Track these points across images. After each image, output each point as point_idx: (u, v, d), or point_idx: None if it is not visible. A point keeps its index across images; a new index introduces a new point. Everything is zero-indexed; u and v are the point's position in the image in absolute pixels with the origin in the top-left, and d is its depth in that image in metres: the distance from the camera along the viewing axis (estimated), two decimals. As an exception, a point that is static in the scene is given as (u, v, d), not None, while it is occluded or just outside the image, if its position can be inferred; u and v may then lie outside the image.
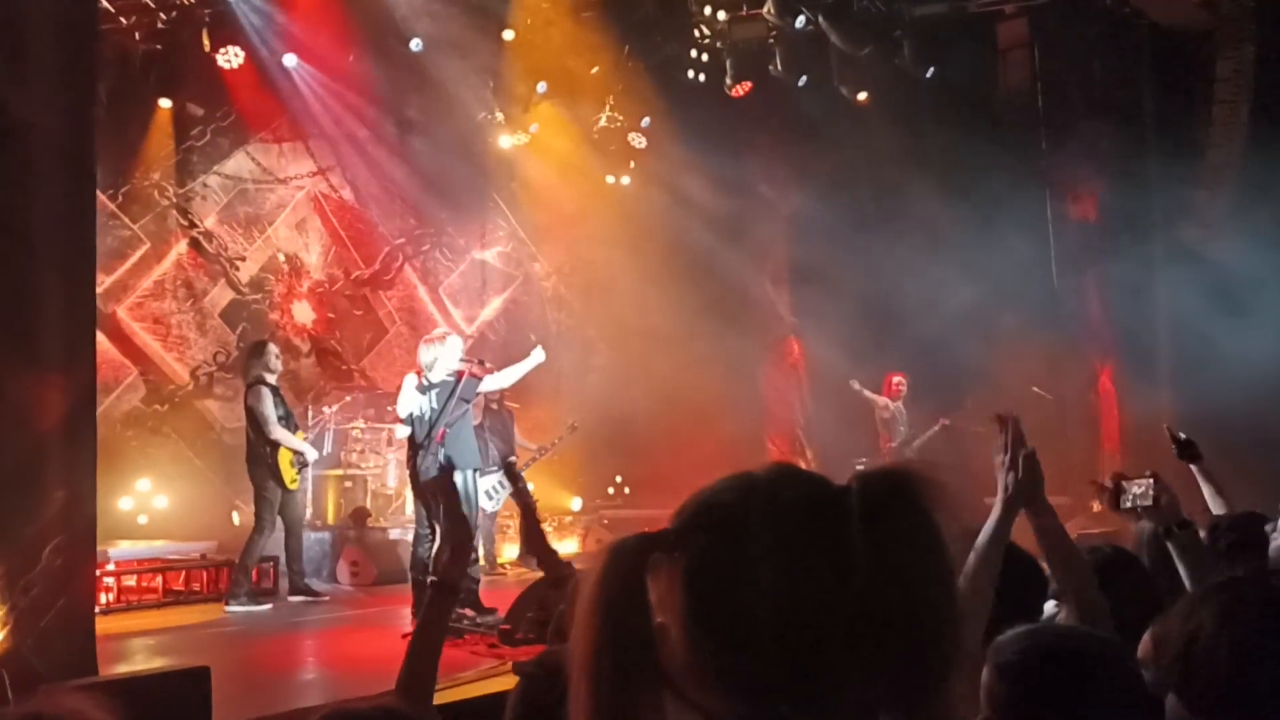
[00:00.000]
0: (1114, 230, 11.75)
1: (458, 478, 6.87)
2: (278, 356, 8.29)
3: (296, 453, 8.08)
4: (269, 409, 7.93)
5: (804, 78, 11.72)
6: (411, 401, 6.93)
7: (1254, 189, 12.05)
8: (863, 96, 11.87)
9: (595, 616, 0.94)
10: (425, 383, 6.91)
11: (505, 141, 12.10)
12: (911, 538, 0.94)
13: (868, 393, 11.30)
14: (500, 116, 11.86)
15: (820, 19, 11.03)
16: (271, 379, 8.13)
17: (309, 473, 9.90)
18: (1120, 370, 11.70)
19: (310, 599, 8.20)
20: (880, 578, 0.92)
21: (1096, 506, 11.39)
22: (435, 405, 6.85)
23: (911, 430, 11.31)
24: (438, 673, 2.39)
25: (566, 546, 10.15)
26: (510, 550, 10.61)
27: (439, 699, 4.97)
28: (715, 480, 1.01)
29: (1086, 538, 9.14)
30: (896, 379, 11.35)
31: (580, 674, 0.94)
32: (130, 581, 8.10)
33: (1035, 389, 11.43)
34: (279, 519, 8.05)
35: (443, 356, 6.97)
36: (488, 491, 9.47)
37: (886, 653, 0.92)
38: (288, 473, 8.03)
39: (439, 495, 6.84)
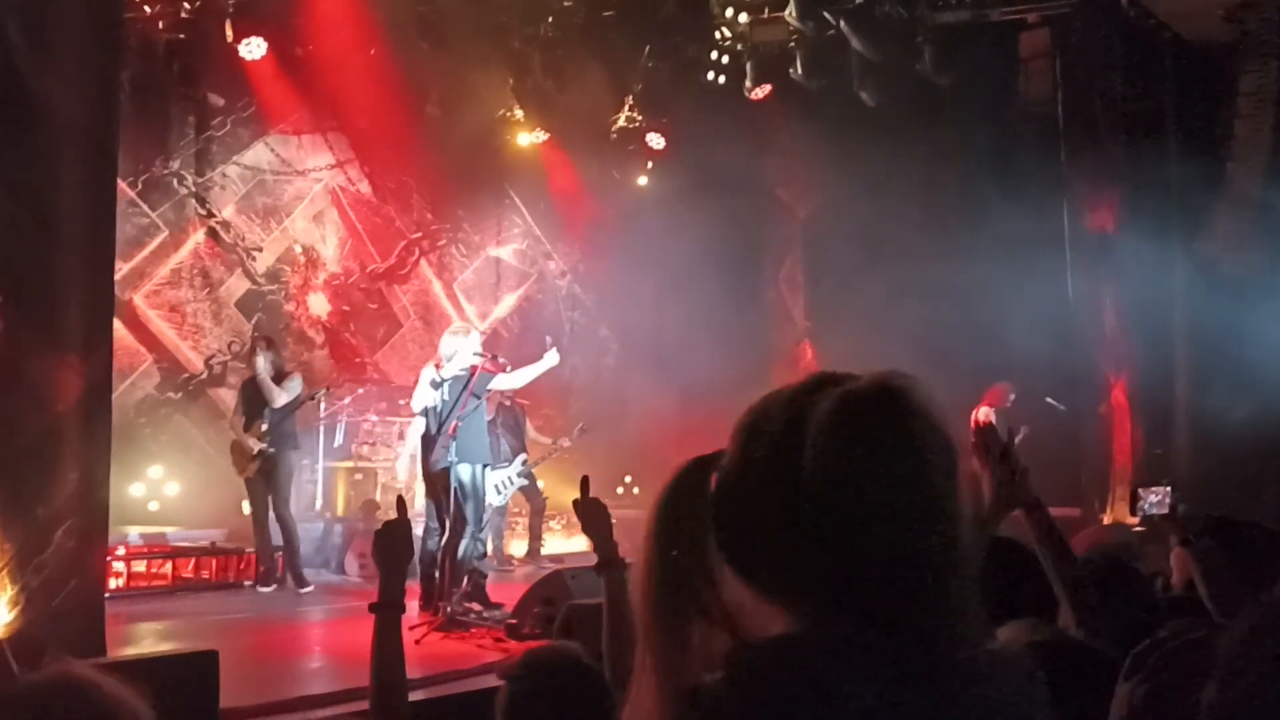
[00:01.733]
0: (1132, 243, 11.68)
1: (464, 471, 6.86)
2: (264, 352, 8.53)
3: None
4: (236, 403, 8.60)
5: (824, 82, 11.69)
6: (426, 395, 6.94)
7: (1276, 205, 11.99)
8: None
9: (658, 529, 1.03)
10: (439, 377, 6.92)
11: (524, 139, 12.12)
12: (892, 445, 1.00)
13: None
14: (519, 114, 11.88)
15: (842, 23, 11.00)
16: (262, 370, 8.40)
17: (317, 466, 9.99)
18: (1135, 383, 11.63)
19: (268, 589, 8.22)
20: (864, 487, 0.98)
21: (1107, 519, 11.36)
22: (448, 398, 6.85)
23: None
24: (405, 687, 2.30)
25: (575, 544, 10.13)
26: (519, 545, 10.62)
27: (444, 691, 4.99)
28: (760, 400, 1.08)
29: (1096, 550, 9.11)
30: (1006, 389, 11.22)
31: (643, 579, 1.02)
32: (140, 567, 8.14)
33: (1049, 399, 11.38)
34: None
35: (462, 349, 6.97)
36: (496, 486, 9.48)
37: (914, 558, 0.97)
38: (237, 462, 8.41)
39: (435, 492, 6.90)
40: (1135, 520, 11.57)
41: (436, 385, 6.94)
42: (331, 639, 6.52)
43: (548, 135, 11.99)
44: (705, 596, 1.00)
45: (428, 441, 6.99)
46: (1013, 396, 10.90)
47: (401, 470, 10.52)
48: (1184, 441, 11.77)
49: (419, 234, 12.20)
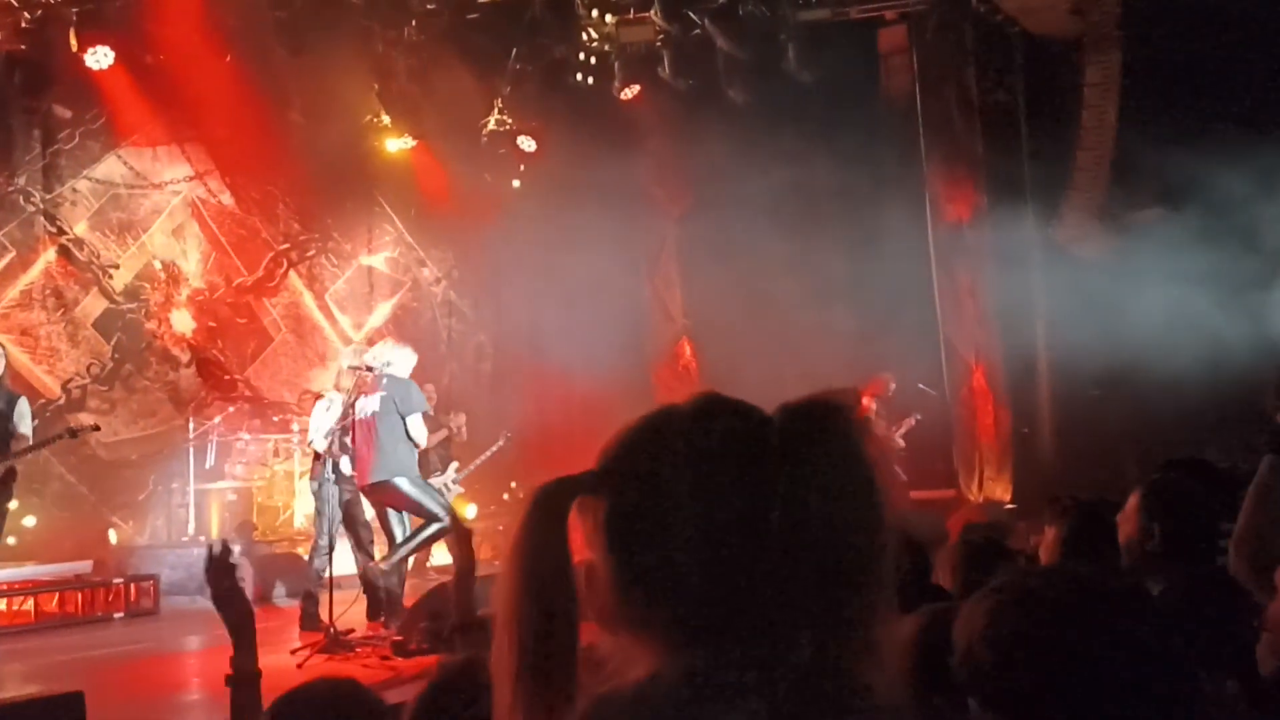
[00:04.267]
0: (988, 232, 12.13)
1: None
2: None
3: None
4: None
5: (692, 81, 11.80)
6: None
7: (1122, 191, 12.59)
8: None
9: (518, 558, 0.94)
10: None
11: (392, 145, 11.90)
12: (835, 468, 0.94)
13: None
14: (386, 119, 11.67)
15: (707, 23, 11.12)
16: None
17: (187, 489, 9.59)
18: (999, 368, 12.07)
19: None
20: (806, 508, 0.92)
21: (977, 498, 11.77)
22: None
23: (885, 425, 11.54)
24: None
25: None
26: (441, 554, 10.43)
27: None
28: (639, 417, 1.00)
29: (972, 529, 9.42)
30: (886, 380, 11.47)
31: (503, 616, 0.94)
32: (-1, 605, 7.72)
33: (921, 385, 11.72)
34: None
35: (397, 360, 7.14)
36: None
37: (812, 587, 0.91)
38: None
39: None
40: (1007, 498, 12.05)
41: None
42: (206, 670, 6.28)
43: (416, 141, 11.80)
44: (569, 640, 0.93)
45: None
46: (893, 386, 11.19)
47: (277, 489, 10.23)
48: (1048, 421, 12.27)
49: (287, 245, 11.87)
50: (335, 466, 7.03)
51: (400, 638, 5.89)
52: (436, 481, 9.28)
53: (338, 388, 7.40)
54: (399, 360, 7.11)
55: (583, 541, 0.96)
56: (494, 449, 10.05)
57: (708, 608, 0.91)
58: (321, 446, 7.25)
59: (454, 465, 9.52)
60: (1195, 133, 12.00)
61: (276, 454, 10.31)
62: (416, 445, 7.37)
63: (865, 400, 11.24)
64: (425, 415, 9.19)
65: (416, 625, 5.82)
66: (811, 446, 0.94)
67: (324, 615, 6.48)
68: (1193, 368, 9.75)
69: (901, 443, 10.96)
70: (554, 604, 0.93)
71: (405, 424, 6.88)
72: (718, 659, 0.91)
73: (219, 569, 2.11)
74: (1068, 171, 12.56)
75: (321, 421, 7.32)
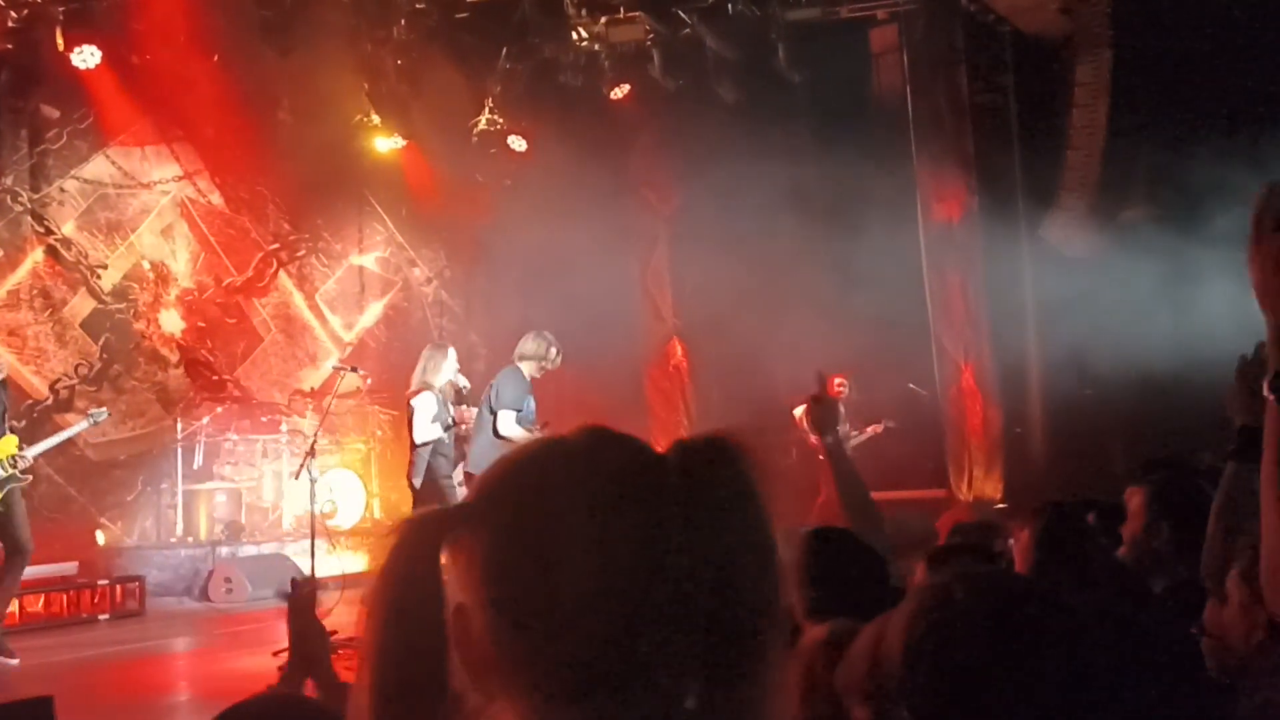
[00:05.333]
0: (979, 231, 12.13)
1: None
2: None
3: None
4: None
5: (683, 81, 11.79)
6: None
7: (1112, 191, 12.58)
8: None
9: (382, 598, 0.86)
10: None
11: (382, 144, 11.88)
12: (732, 510, 0.88)
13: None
14: (376, 119, 11.65)
15: (696, 22, 11.11)
16: None
17: (176, 489, 9.55)
18: (990, 366, 12.06)
19: None
20: (698, 554, 0.85)
21: (967, 497, 11.77)
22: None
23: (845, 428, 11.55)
24: None
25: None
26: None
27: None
28: (522, 445, 0.93)
29: (961, 530, 9.41)
30: (837, 380, 11.50)
31: (365, 660, 0.86)
32: (-17, 607, 7.68)
33: (911, 385, 11.72)
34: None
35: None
36: None
37: (702, 635, 0.85)
38: None
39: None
40: (997, 497, 12.05)
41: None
42: (190, 673, 6.28)
43: (406, 141, 11.78)
44: (435, 689, 0.85)
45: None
46: (845, 388, 11.21)
47: (267, 489, 10.22)
48: (1038, 420, 12.27)
49: (277, 245, 11.85)
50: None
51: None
52: (445, 481, 9.20)
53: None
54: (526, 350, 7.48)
55: (455, 583, 0.88)
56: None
57: (592, 658, 0.84)
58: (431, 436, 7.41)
59: (463, 465, 9.39)
60: (1186, 132, 12.01)
61: (265, 454, 10.30)
62: (504, 440, 7.42)
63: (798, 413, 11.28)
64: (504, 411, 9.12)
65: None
66: (708, 487, 0.88)
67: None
68: (1184, 367, 9.75)
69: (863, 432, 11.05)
70: (420, 649, 0.85)
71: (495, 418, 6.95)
72: (599, 715, 0.85)
73: (300, 603, 2.05)
74: (1058, 171, 12.55)
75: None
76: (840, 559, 2.69)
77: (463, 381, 7.79)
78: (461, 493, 9.14)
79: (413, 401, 7.26)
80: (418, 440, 7.35)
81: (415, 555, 0.87)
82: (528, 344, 7.55)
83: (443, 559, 0.89)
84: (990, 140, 12.52)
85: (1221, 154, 11.85)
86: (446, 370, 7.56)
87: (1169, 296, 10.62)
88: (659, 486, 0.88)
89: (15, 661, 6.39)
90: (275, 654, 6.04)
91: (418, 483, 7.38)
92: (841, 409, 11.27)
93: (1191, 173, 11.88)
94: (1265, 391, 1.33)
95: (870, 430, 11.01)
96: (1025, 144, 12.85)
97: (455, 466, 9.39)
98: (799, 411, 10.12)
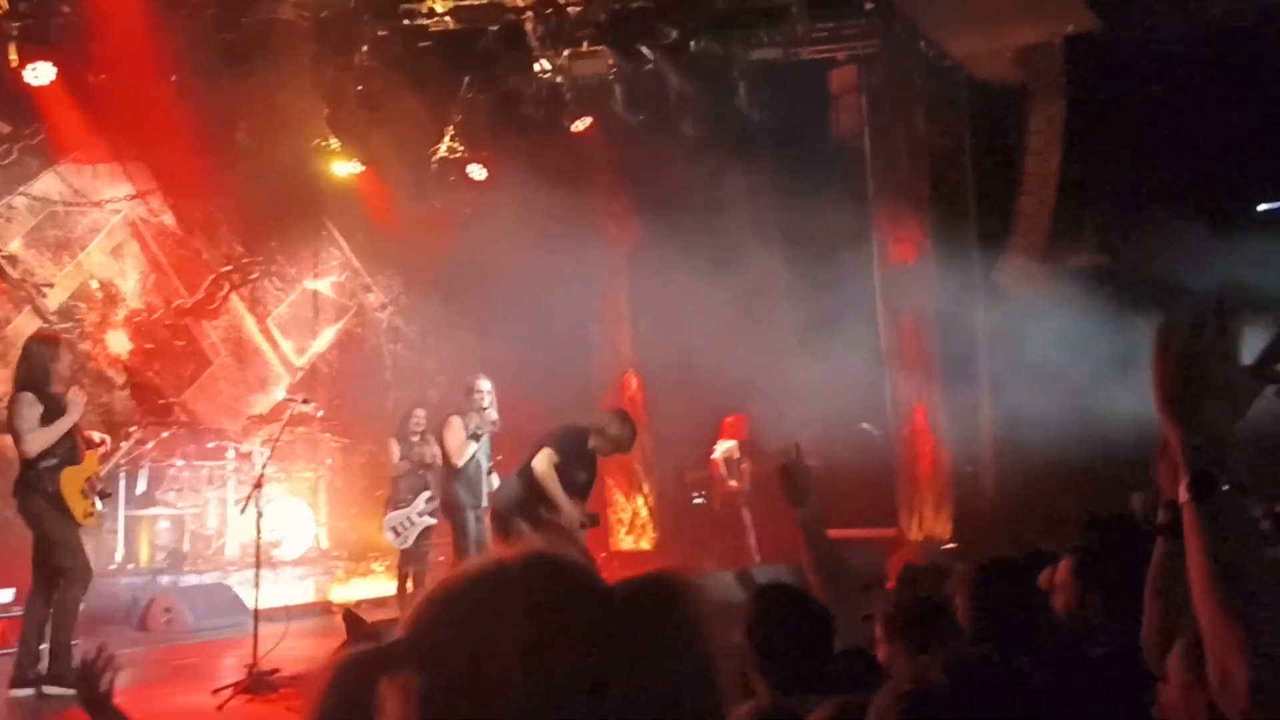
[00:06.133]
0: (933, 272, 12.27)
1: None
2: (63, 358, 6.46)
3: (90, 478, 6.41)
4: (23, 420, 6.15)
5: (645, 116, 11.85)
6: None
7: (1063, 236, 12.79)
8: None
9: None
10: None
11: (341, 169, 11.81)
12: (673, 650, 0.87)
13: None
14: (335, 144, 11.57)
15: (659, 58, 11.17)
16: (53, 385, 6.34)
17: (118, 515, 9.33)
18: (937, 409, 12.17)
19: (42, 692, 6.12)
20: (640, 694, 0.84)
21: (917, 536, 11.84)
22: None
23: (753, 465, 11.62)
24: None
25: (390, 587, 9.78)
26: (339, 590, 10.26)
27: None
28: (459, 573, 0.90)
29: (910, 572, 9.45)
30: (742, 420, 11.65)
31: None
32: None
33: (865, 425, 11.80)
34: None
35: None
36: (395, 528, 9.06)
37: None
38: (77, 503, 6.33)
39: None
40: (947, 537, 12.14)
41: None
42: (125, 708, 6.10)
43: (365, 166, 11.71)
44: None
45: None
46: (746, 428, 11.39)
47: (211, 516, 10.03)
48: (989, 462, 12.38)
49: (229, 267, 11.70)
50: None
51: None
52: (401, 514, 9.12)
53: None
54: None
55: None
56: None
57: None
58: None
59: (425, 495, 9.29)
60: (1136, 182, 12.26)
61: (211, 481, 10.11)
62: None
63: (726, 444, 11.47)
64: (403, 441, 9.12)
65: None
66: (650, 627, 0.87)
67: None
68: (1134, 413, 9.88)
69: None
70: None
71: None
72: None
73: (88, 676, 2.00)
74: (1011, 215, 12.75)
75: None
76: (788, 618, 2.68)
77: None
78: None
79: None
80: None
81: (349, 697, 0.84)
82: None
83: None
84: (946, 184, 12.69)
85: (1170, 205, 12.12)
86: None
87: (1117, 343, 10.79)
88: (601, 625, 0.86)
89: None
90: (214, 692, 5.91)
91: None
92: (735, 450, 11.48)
93: (1141, 223, 12.12)
94: (1182, 496, 1.35)
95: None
96: (980, 189, 13.05)
97: (418, 495, 9.30)
98: (718, 453, 10.31)
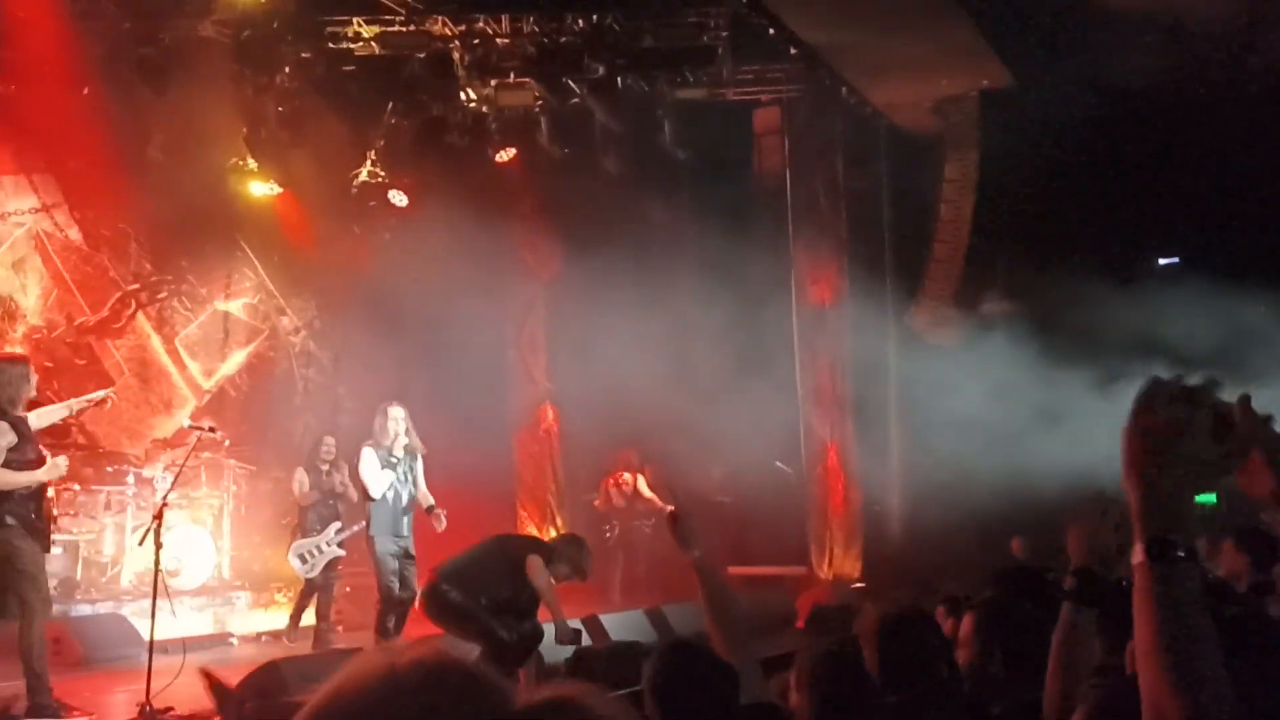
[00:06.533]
0: (849, 315, 12.47)
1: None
2: (32, 379, 6.38)
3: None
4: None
5: (569, 149, 11.88)
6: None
7: (974, 283, 13.13)
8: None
9: None
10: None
11: (257, 189, 11.60)
12: None
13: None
14: (252, 164, 11.37)
15: (585, 93, 11.22)
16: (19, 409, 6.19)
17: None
18: (849, 449, 12.34)
19: None
20: None
21: (827, 575, 11.96)
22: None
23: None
24: None
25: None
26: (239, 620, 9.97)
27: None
28: (348, 682, 0.85)
29: (821, 612, 9.54)
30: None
31: None
32: None
33: (778, 464, 11.90)
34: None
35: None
36: (302, 555, 8.85)
37: None
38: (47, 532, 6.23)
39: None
40: (856, 575, 12.28)
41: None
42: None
43: (282, 188, 11.52)
44: None
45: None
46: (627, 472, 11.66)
47: (107, 543, 9.68)
48: (897, 502, 12.59)
49: (136, 285, 11.38)
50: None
51: (220, 718, 5.59)
52: (310, 542, 8.94)
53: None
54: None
55: None
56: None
57: None
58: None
59: (335, 525, 9.11)
60: (1044, 233, 12.66)
61: (109, 506, 9.77)
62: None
63: (635, 478, 11.67)
64: (311, 469, 8.97)
65: (243, 705, 5.53)
66: None
67: None
68: (1039, 459, 10.13)
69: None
70: None
71: None
72: None
73: None
74: (924, 261, 13.06)
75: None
76: (693, 675, 2.67)
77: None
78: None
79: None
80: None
81: None
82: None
83: None
84: (863, 228, 12.95)
85: (1077, 256, 12.53)
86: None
87: (1025, 389, 11.07)
88: None
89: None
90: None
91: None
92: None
93: (1049, 272, 12.50)
94: (1136, 558, 1.37)
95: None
96: (895, 234, 13.35)
97: (328, 525, 9.09)
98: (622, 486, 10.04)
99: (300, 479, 8.97)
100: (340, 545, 9.04)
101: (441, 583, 6.56)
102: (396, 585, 7.86)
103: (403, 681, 0.84)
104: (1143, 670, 1.30)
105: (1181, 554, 1.30)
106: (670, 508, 3.06)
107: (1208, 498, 1.62)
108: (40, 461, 6.19)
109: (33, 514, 6.07)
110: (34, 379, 6.45)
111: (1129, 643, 2.37)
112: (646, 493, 12.01)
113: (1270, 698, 1.68)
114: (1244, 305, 10.64)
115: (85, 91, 9.79)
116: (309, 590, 8.86)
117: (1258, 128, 11.66)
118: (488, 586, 6.47)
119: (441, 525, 7.88)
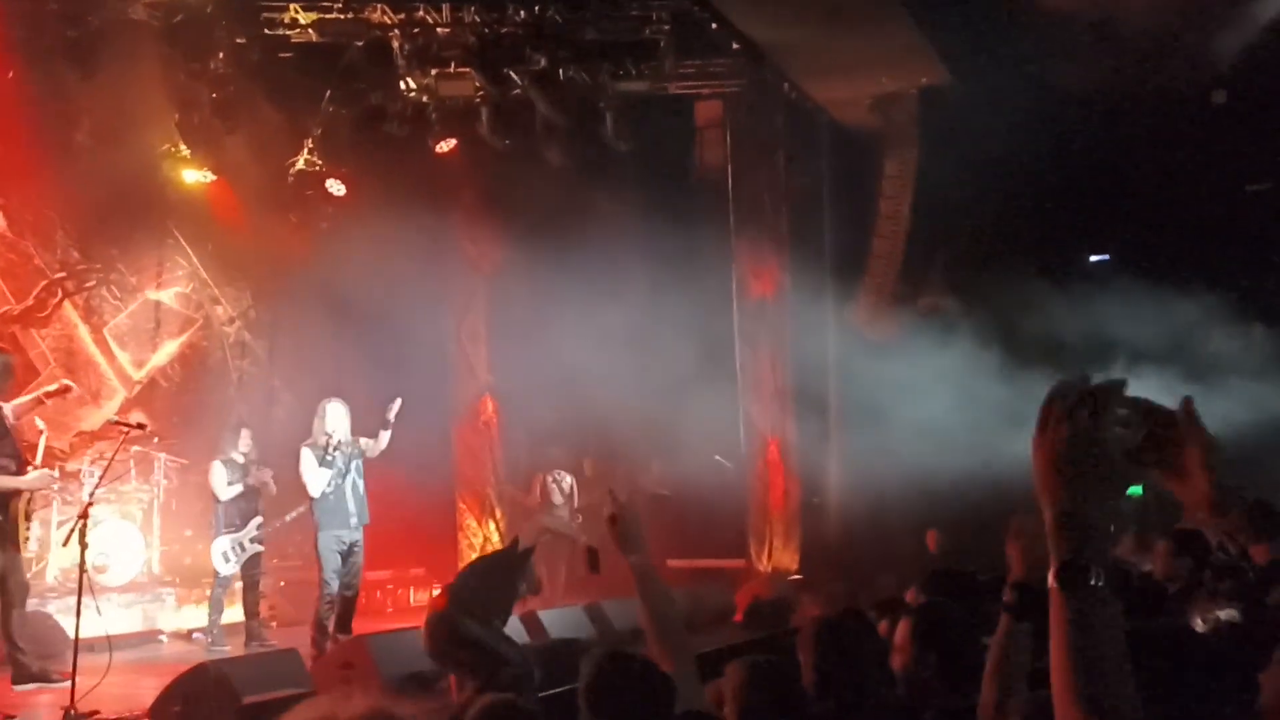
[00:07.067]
0: (789, 309, 12.54)
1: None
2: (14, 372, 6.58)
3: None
4: None
5: (510, 141, 11.78)
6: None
7: (912, 279, 13.28)
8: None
9: None
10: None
11: (190, 176, 11.34)
12: None
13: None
14: (185, 150, 11.11)
15: (526, 84, 11.13)
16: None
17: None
18: (789, 443, 12.42)
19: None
20: None
21: (766, 568, 12.04)
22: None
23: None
24: None
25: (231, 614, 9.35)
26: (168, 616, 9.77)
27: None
28: None
29: (759, 606, 9.59)
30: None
31: None
32: None
33: (717, 457, 11.94)
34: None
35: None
36: (225, 553, 8.68)
37: None
38: (20, 528, 6.45)
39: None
40: (794, 568, 12.38)
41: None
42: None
43: (216, 176, 11.27)
44: None
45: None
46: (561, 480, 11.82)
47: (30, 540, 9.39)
48: (835, 496, 12.71)
49: (63, 274, 11.06)
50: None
51: (149, 723, 5.47)
52: (234, 537, 8.79)
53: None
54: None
55: None
56: (298, 511, 9.59)
57: None
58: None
59: (256, 521, 8.97)
60: (980, 230, 12.85)
61: (32, 501, 9.48)
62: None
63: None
64: (230, 463, 8.81)
65: (170, 709, 5.42)
66: None
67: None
68: (975, 454, 10.28)
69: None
70: None
71: None
72: None
73: None
74: (864, 256, 13.18)
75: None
76: (628, 684, 2.66)
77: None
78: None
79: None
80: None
81: None
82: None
83: None
84: (803, 223, 13.03)
85: (1011, 252, 12.72)
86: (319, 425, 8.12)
87: (962, 383, 11.23)
88: None
89: None
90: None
91: None
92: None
93: (986, 268, 12.68)
94: (1050, 581, 1.35)
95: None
96: (835, 229, 13.45)
97: (249, 520, 8.93)
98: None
99: (219, 473, 8.80)
100: (260, 542, 8.92)
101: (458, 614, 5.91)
102: (336, 583, 7.79)
103: None
104: (1055, 689, 1.30)
105: (1093, 581, 1.26)
106: (610, 511, 3.04)
107: (1134, 490, 1.57)
108: (18, 459, 6.14)
109: (1, 515, 5.95)
110: (13, 372, 6.40)
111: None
112: (576, 496, 12.01)
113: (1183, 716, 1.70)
114: (1174, 302, 10.90)
115: (9, 75, 9.48)
116: (223, 583, 8.74)
117: (1186, 128, 11.94)
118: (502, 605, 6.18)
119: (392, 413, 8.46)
